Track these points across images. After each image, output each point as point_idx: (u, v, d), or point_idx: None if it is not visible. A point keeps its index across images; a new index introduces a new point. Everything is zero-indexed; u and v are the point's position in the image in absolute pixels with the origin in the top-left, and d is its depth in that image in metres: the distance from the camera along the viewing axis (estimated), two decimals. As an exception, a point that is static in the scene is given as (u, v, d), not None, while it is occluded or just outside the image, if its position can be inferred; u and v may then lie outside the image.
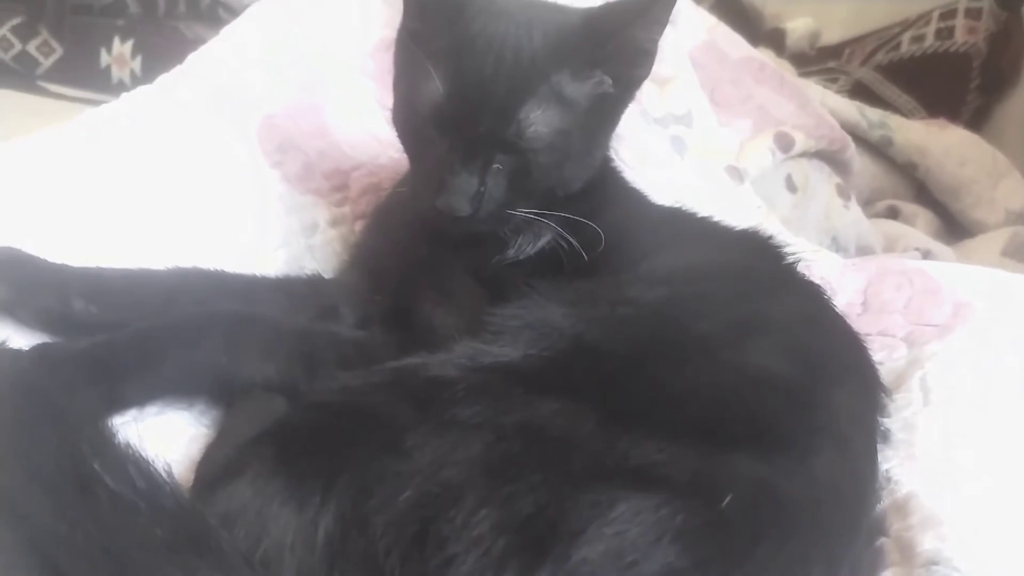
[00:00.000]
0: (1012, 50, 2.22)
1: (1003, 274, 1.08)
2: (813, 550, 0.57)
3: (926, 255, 1.57)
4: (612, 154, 0.92)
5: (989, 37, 2.23)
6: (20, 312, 0.75)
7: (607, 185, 0.90)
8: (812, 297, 0.82)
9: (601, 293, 0.73)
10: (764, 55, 1.85)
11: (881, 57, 2.36)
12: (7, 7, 1.96)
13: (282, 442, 0.60)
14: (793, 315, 0.75)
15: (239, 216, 0.97)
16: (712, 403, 0.63)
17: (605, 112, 0.83)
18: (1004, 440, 0.76)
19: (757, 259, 0.87)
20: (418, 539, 0.52)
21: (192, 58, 1.09)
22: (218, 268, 0.85)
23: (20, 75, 1.94)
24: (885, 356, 0.91)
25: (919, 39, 2.31)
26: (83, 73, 1.94)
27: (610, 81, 0.80)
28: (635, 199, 0.95)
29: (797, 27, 2.56)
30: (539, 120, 0.76)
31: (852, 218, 1.64)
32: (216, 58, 1.10)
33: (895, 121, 1.99)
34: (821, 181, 1.63)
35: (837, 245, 1.58)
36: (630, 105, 0.87)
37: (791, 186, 1.58)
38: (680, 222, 0.93)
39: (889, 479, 0.73)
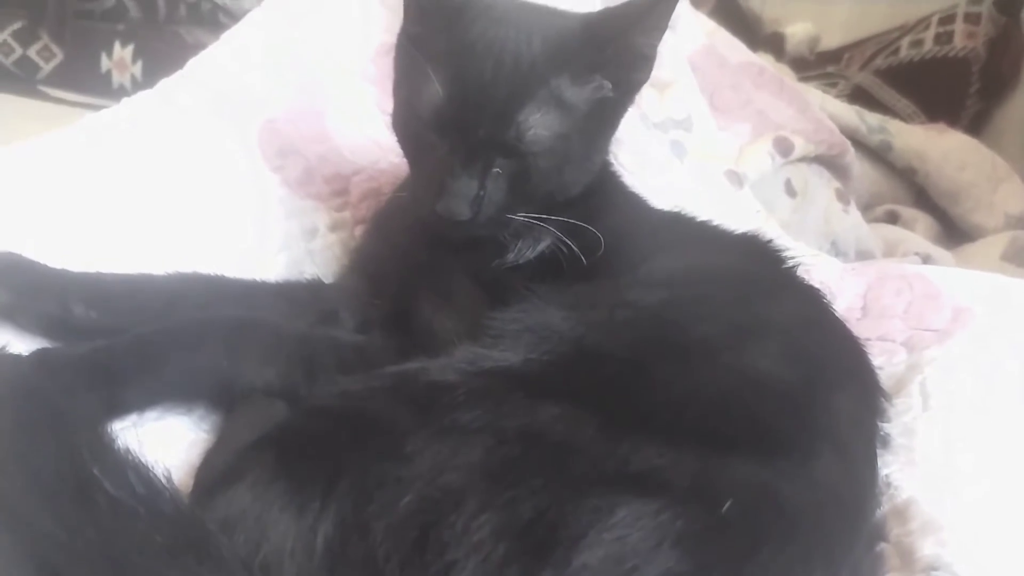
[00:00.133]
0: (1011, 55, 2.22)
1: (1003, 279, 1.08)
2: (813, 554, 0.57)
3: (926, 259, 1.58)
4: (611, 158, 0.92)
5: (988, 42, 2.23)
6: (20, 317, 0.75)
7: (606, 189, 0.90)
8: (812, 301, 0.82)
9: (601, 297, 0.73)
10: (763, 60, 1.85)
11: (880, 62, 2.37)
12: (8, 11, 1.95)
13: (282, 447, 0.60)
14: (793, 319, 0.75)
15: (239, 221, 0.97)
16: (712, 406, 0.62)
17: (604, 116, 0.83)
18: (1004, 445, 0.76)
19: (757, 263, 0.86)
20: (418, 544, 0.52)
21: (193, 63, 1.09)
22: (218, 273, 0.85)
23: (21, 80, 1.94)
24: (885, 361, 0.91)
25: (918, 44, 2.31)
26: (84, 78, 1.93)
27: (610, 85, 0.80)
28: (634, 203, 0.95)
29: (796, 32, 2.57)
30: (538, 124, 0.76)
31: (851, 222, 1.65)
32: (217, 63, 1.10)
33: (894, 126, 2.00)
34: (820, 185, 1.64)
35: (837, 249, 1.58)
36: (629, 109, 0.87)
37: (790, 190, 1.58)
38: (679, 226, 0.93)
39: (889, 484, 0.73)
